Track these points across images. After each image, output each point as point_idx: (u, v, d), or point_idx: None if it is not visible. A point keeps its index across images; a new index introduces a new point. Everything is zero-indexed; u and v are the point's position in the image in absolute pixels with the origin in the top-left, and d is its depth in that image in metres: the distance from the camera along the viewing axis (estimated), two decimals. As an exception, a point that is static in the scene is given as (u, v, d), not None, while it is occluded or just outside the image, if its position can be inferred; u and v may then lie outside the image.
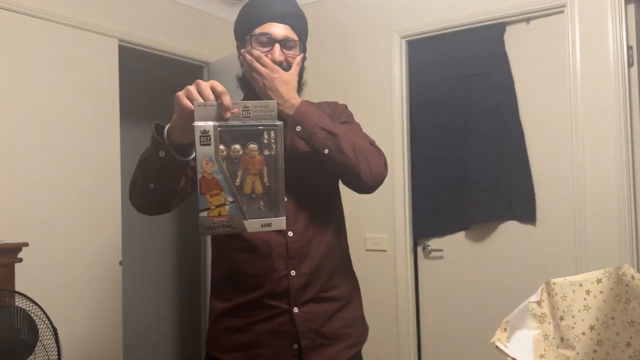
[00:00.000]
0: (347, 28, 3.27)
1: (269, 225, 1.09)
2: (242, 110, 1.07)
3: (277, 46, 1.41)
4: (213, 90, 1.10)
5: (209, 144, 1.02)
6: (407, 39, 3.09)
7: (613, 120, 2.51)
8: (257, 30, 1.42)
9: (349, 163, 1.35)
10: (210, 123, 1.03)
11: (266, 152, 1.07)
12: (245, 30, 1.46)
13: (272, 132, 1.07)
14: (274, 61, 1.39)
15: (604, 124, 2.53)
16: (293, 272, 1.40)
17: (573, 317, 1.15)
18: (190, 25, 3.39)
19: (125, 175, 2.96)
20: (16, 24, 2.50)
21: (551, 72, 2.72)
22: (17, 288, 2.09)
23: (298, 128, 1.35)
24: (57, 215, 2.61)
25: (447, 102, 3.00)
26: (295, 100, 1.37)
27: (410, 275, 3.05)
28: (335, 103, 1.63)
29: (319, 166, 1.43)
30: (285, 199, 1.31)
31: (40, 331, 1.96)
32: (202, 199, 1.03)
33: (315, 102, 1.58)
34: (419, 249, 3.11)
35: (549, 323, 1.19)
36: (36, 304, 1.98)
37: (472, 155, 2.91)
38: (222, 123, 1.05)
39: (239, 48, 1.50)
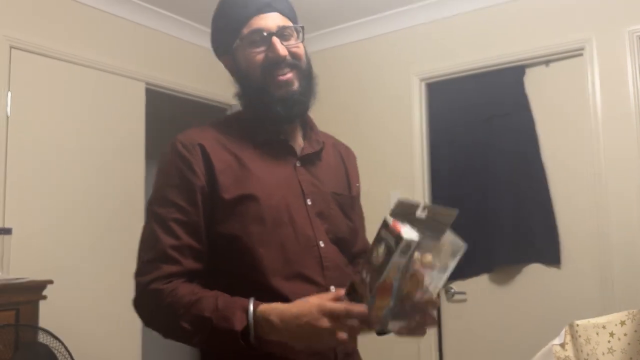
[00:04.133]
0: (366, 71, 3.32)
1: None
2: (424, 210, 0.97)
3: (275, 40, 1.17)
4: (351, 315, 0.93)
5: (406, 255, 0.91)
6: (426, 81, 3.13)
7: (636, 161, 2.48)
8: (245, 30, 1.17)
9: None
10: (416, 236, 0.93)
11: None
12: (229, 38, 1.21)
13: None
14: (279, 58, 1.16)
15: (627, 164, 2.51)
16: None
17: (597, 360, 1.13)
18: (214, 68, 3.45)
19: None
20: (46, 68, 2.61)
21: (572, 113, 2.72)
22: (41, 325, 2.12)
23: None
24: (82, 255, 2.65)
25: (468, 144, 3.01)
26: None
27: (433, 318, 2.99)
28: (353, 155, 1.41)
29: None
30: None
31: (61, 368, 1.98)
32: (371, 299, 0.92)
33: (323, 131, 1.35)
34: (442, 291, 3.07)
35: (573, 366, 1.16)
36: (59, 340, 2.00)
37: (494, 196, 2.89)
38: (423, 238, 0.94)
39: (227, 64, 1.27)
